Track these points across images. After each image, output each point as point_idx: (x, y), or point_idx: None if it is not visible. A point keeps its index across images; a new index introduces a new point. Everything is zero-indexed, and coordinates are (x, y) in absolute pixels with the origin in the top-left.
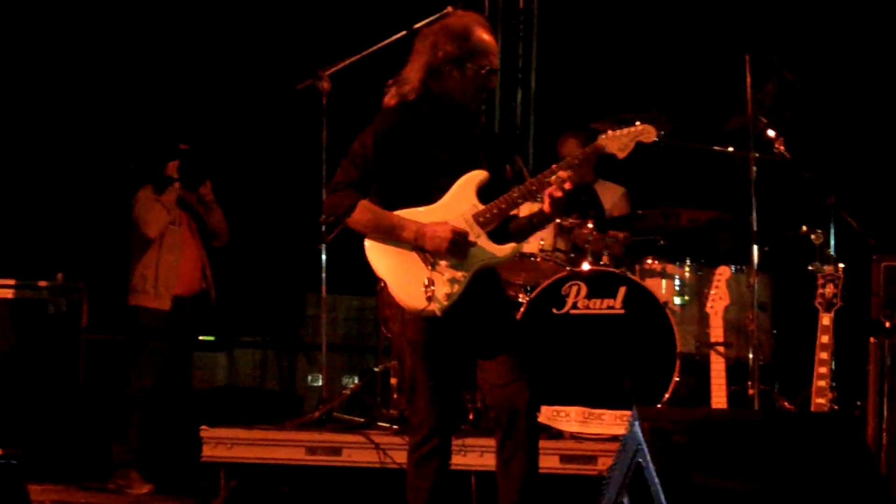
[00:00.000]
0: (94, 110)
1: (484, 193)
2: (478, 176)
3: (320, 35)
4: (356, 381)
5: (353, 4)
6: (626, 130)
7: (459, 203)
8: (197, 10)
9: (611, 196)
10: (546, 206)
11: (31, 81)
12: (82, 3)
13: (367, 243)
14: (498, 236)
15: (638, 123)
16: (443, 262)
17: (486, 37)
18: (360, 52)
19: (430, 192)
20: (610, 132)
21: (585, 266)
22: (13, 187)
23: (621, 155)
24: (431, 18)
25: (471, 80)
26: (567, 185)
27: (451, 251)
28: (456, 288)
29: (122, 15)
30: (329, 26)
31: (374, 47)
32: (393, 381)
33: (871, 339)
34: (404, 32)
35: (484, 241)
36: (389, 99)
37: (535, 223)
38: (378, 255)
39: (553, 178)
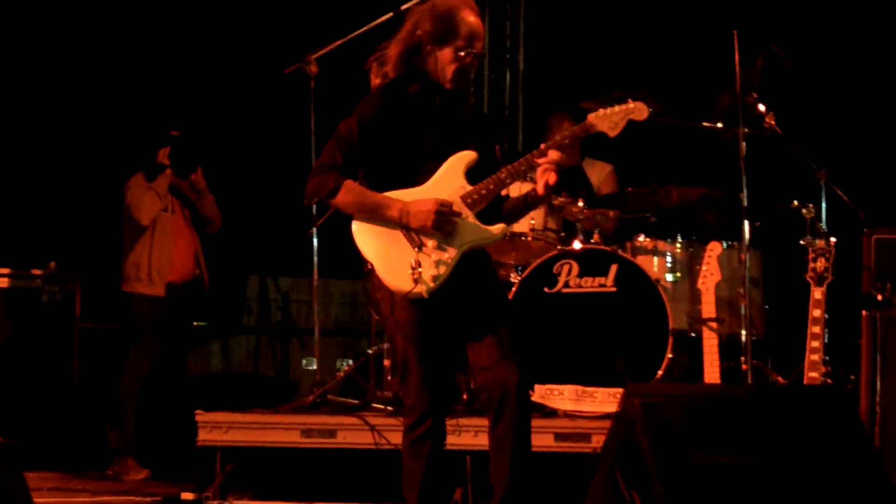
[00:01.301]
0: (84, 98)
1: (472, 175)
2: (466, 157)
3: (307, 18)
4: (349, 363)
5: None
6: (616, 108)
7: (447, 184)
8: None
9: (598, 174)
10: (539, 188)
11: (21, 71)
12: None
13: (354, 225)
14: (488, 217)
15: (629, 101)
16: (430, 244)
17: (470, 19)
18: (347, 34)
19: (418, 175)
20: (601, 111)
21: (576, 245)
22: (5, 177)
23: (612, 133)
24: (416, 0)
25: (449, 61)
26: (555, 166)
27: (437, 225)
28: (443, 269)
29: (111, 2)
30: (316, 9)
31: (361, 30)
32: (386, 363)
33: (864, 313)
34: (391, 14)
35: (472, 222)
36: (374, 77)
37: (527, 204)
38: (365, 238)
39: (542, 157)
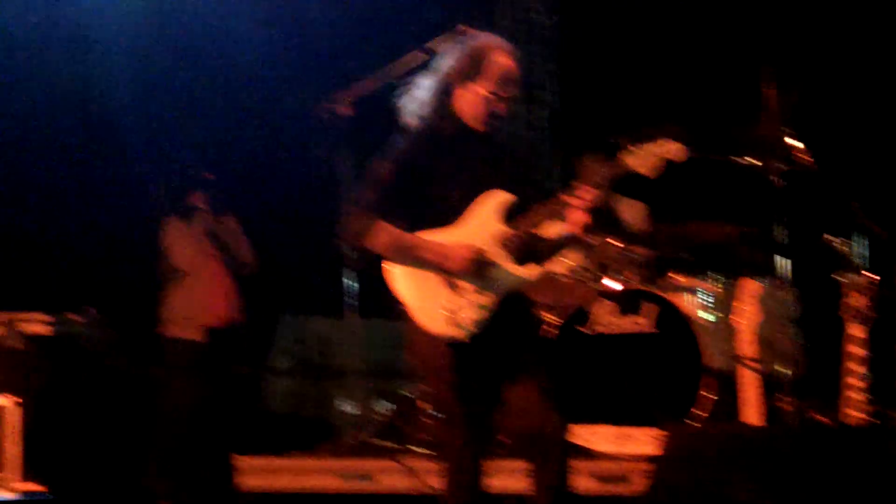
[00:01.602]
0: (120, 142)
1: (507, 215)
2: (501, 198)
3: (336, 59)
4: (388, 406)
5: (368, 27)
6: (651, 148)
7: (482, 225)
8: (217, 39)
9: (631, 212)
10: (572, 229)
11: (58, 113)
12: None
13: (388, 267)
14: (522, 258)
15: (668, 142)
16: (466, 286)
17: (502, 60)
18: (374, 75)
19: (451, 215)
20: (634, 150)
21: (612, 284)
22: (43, 222)
23: (649, 174)
24: (445, 37)
25: (478, 101)
26: (590, 206)
27: (474, 272)
28: (481, 313)
29: (144, 47)
30: (345, 50)
31: (391, 69)
32: (424, 405)
33: None
34: (419, 53)
35: (508, 264)
36: (405, 117)
37: (561, 245)
38: (399, 279)
39: (577, 198)
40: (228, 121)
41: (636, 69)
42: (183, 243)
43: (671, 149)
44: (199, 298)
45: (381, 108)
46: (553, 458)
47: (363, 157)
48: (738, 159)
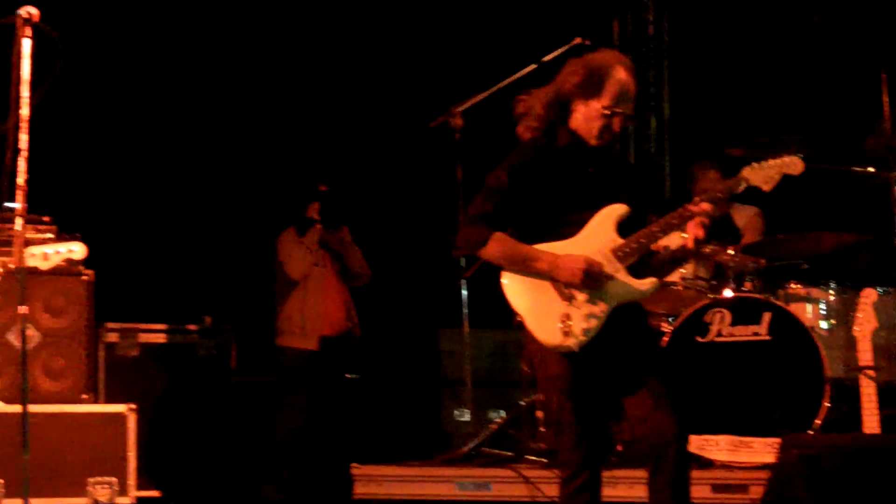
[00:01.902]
0: (236, 155)
1: (623, 228)
2: (617, 210)
3: (451, 72)
4: (503, 415)
5: (483, 41)
6: (771, 162)
7: (598, 237)
8: (334, 53)
9: (744, 217)
10: (689, 243)
11: (175, 128)
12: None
13: (504, 277)
14: (638, 271)
15: (789, 157)
16: (580, 297)
17: (622, 77)
18: (492, 87)
19: (566, 227)
20: (755, 164)
21: (728, 293)
22: (160, 234)
23: (766, 188)
24: (560, 51)
25: (595, 117)
26: (708, 220)
27: (586, 283)
28: (594, 323)
29: (256, 63)
30: (460, 63)
31: (505, 82)
32: (539, 414)
33: None
34: (534, 66)
35: (623, 276)
36: (522, 130)
37: (677, 259)
38: (514, 290)
39: (695, 210)
40: (344, 132)
41: (750, 78)
42: (298, 254)
43: (788, 162)
44: (313, 308)
45: (497, 120)
46: (672, 466)
47: (478, 169)
48: (856, 168)
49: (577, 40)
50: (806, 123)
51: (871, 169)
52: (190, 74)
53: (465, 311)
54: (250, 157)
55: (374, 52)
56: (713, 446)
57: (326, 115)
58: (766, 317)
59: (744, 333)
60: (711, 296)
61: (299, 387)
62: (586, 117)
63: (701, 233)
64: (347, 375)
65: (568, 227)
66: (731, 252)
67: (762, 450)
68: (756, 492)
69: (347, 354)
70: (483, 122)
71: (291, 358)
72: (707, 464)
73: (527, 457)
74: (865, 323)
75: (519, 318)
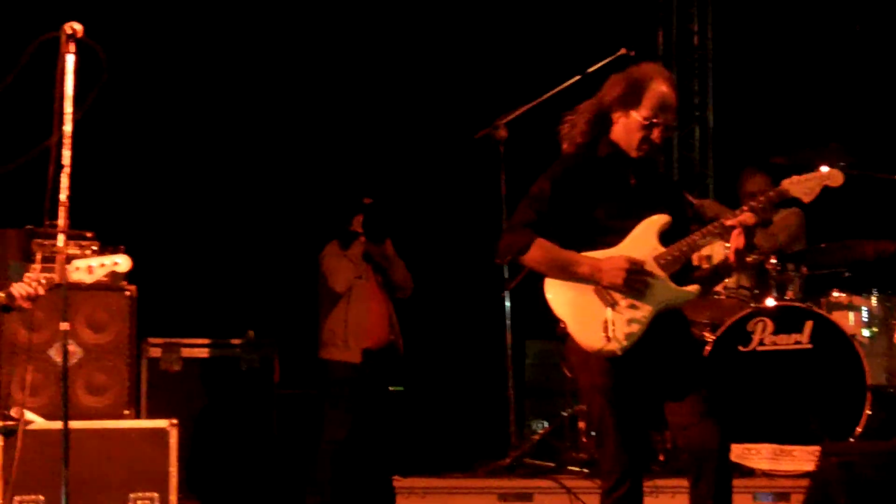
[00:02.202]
0: (280, 169)
1: (665, 237)
2: (660, 220)
3: (496, 84)
4: (545, 425)
5: (527, 52)
6: (812, 175)
7: (640, 246)
8: (377, 64)
9: (784, 220)
10: (730, 255)
11: (220, 143)
12: (264, 69)
13: (546, 283)
14: (681, 281)
15: (825, 168)
16: (623, 302)
17: (662, 89)
18: (536, 98)
19: (608, 237)
20: (795, 177)
21: (770, 302)
22: (205, 248)
23: (807, 199)
24: (605, 62)
25: (636, 128)
26: (749, 231)
27: (628, 283)
28: (636, 328)
29: (303, 77)
30: (504, 74)
31: (549, 94)
32: (581, 424)
33: None
34: (578, 77)
35: (664, 283)
36: (564, 142)
37: (719, 273)
38: (557, 296)
39: (735, 222)
40: (388, 144)
41: (794, 87)
42: (341, 267)
43: (828, 175)
44: (356, 321)
45: (541, 132)
46: (714, 475)
47: (523, 181)
48: None
49: (623, 51)
50: (848, 132)
51: None
52: (235, 87)
53: (508, 322)
54: (294, 169)
55: (419, 63)
56: (754, 455)
57: (371, 127)
58: (808, 325)
59: (786, 342)
60: (754, 305)
61: (343, 399)
62: (626, 129)
63: (740, 242)
64: (391, 388)
65: (610, 235)
66: (773, 261)
67: (803, 458)
68: (797, 500)
69: (390, 367)
70: (528, 134)
71: (335, 371)
72: (748, 472)
73: (569, 467)
74: None
75: (562, 325)
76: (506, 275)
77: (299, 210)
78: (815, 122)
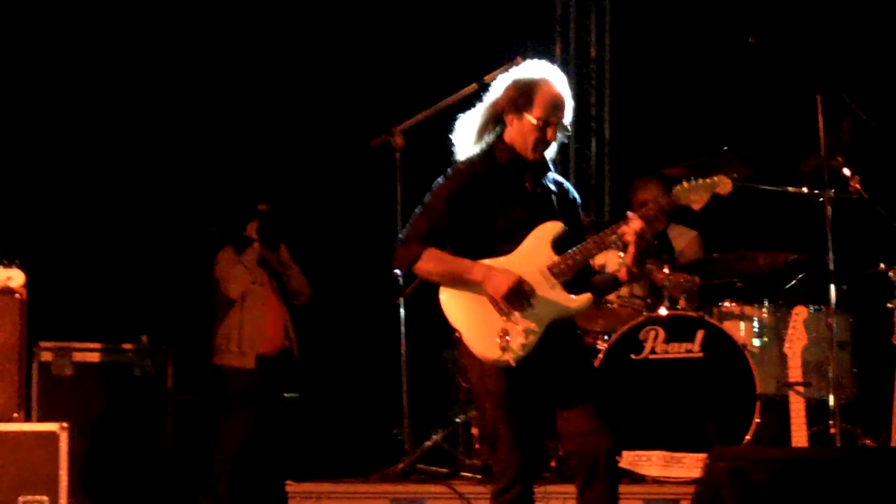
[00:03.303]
0: (174, 174)
1: (559, 245)
2: (553, 228)
3: (392, 91)
4: (438, 432)
5: (424, 60)
6: (700, 182)
7: (534, 255)
8: (273, 72)
9: (683, 240)
10: (627, 260)
11: (110, 146)
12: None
13: (442, 294)
14: (576, 287)
15: (715, 176)
16: (517, 313)
17: (552, 90)
18: (432, 106)
19: (504, 244)
20: (685, 184)
21: (662, 311)
22: (97, 253)
23: (696, 207)
24: (501, 70)
25: (529, 130)
26: (644, 236)
27: (508, 299)
28: (531, 338)
29: (204, 81)
30: (401, 82)
31: (446, 101)
32: (475, 430)
33: None
34: (475, 86)
35: (558, 293)
36: (459, 148)
37: (617, 281)
38: (452, 305)
39: (630, 228)
40: (284, 151)
41: (690, 100)
42: (235, 273)
43: (717, 182)
44: (250, 327)
45: (438, 139)
46: (602, 481)
47: (419, 188)
48: (792, 188)
49: (519, 60)
50: (744, 143)
51: (805, 189)
52: (125, 93)
53: (403, 329)
54: (189, 175)
55: (315, 69)
56: (645, 462)
57: (267, 133)
58: (700, 334)
59: (677, 351)
60: (646, 314)
61: (237, 405)
62: (520, 131)
63: (637, 249)
64: (286, 395)
65: (505, 244)
66: (666, 271)
67: (693, 465)
68: None
69: (286, 373)
70: (424, 142)
71: (229, 377)
72: (639, 479)
73: (462, 473)
74: (796, 340)
75: (457, 333)
76: (401, 282)
77: (194, 215)
78: (710, 134)
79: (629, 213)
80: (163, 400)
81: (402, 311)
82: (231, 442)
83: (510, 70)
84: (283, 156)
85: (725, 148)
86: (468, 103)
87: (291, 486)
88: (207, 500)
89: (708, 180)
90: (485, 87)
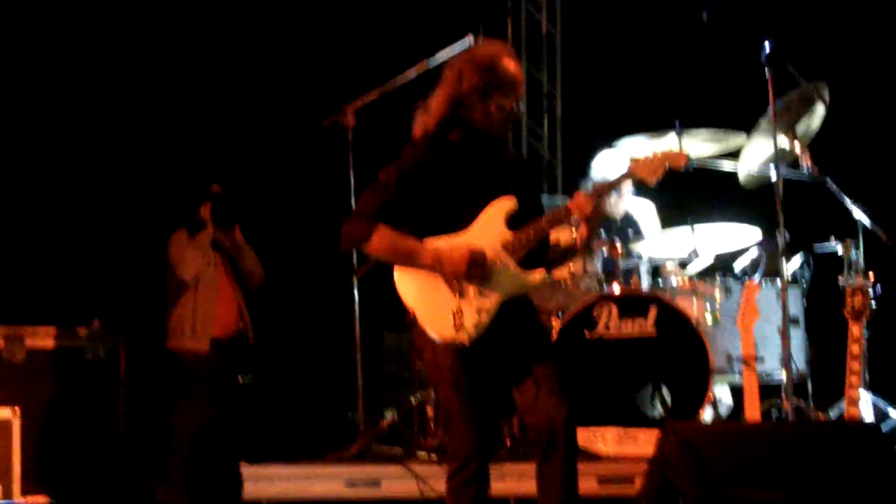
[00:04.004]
0: (127, 156)
1: (513, 221)
2: (506, 204)
3: (343, 71)
4: (394, 413)
5: (374, 39)
6: (655, 156)
7: (487, 231)
8: (222, 52)
9: (637, 211)
10: (581, 233)
11: (63, 127)
12: (117, 52)
13: (396, 273)
14: (532, 264)
15: (673, 151)
16: (471, 291)
17: (510, 67)
18: (383, 85)
19: (459, 222)
20: (641, 158)
21: (616, 288)
22: (49, 236)
23: (651, 180)
24: (451, 48)
25: (495, 111)
26: (597, 212)
27: (471, 273)
28: (484, 317)
29: (151, 58)
30: (352, 61)
31: (397, 81)
32: (429, 411)
33: None
34: (425, 64)
35: (512, 269)
36: (417, 128)
37: (567, 251)
38: (406, 285)
39: (578, 204)
40: (235, 132)
41: (642, 76)
42: (189, 255)
43: (672, 156)
44: (204, 310)
45: (389, 118)
46: (561, 454)
47: (371, 167)
48: (741, 164)
49: (469, 37)
50: (695, 118)
51: (756, 165)
52: (75, 73)
53: (358, 310)
54: (141, 157)
55: (265, 50)
56: (600, 439)
57: (217, 115)
58: (653, 311)
59: (630, 328)
60: (599, 291)
61: (192, 389)
62: (485, 112)
63: (590, 225)
64: (241, 378)
65: (458, 221)
66: (618, 247)
67: (647, 441)
68: (642, 483)
69: (240, 356)
70: (375, 121)
71: (183, 360)
72: (593, 456)
73: (417, 454)
74: (748, 316)
75: (411, 313)
76: (355, 263)
77: (147, 198)
78: (661, 110)
79: (580, 190)
80: (115, 385)
81: (355, 292)
82: (185, 425)
83: (461, 47)
84: (234, 137)
85: (677, 122)
86: (419, 82)
87: (247, 469)
88: (162, 483)
89: (661, 154)
90: (436, 66)
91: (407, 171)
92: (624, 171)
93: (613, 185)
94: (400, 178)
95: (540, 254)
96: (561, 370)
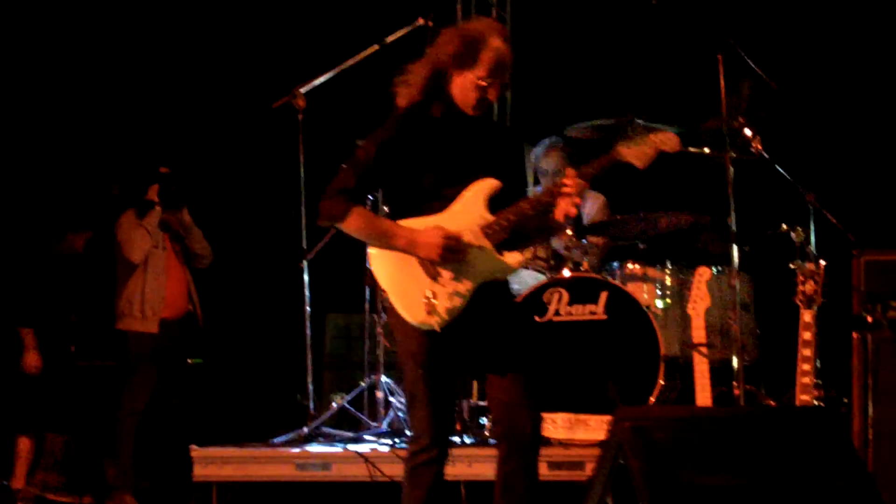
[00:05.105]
0: (74, 136)
1: (495, 203)
2: (488, 185)
3: (294, 52)
4: (343, 396)
5: (326, 21)
6: (647, 139)
7: (467, 213)
8: (172, 32)
9: (591, 203)
10: (558, 216)
11: (10, 106)
12: (63, 31)
13: (371, 252)
14: (511, 247)
15: (666, 134)
16: (446, 275)
17: (497, 45)
18: (335, 67)
19: (438, 201)
20: (630, 142)
21: (566, 273)
22: None
23: (641, 164)
24: (403, 31)
25: (472, 87)
26: (578, 199)
27: (445, 258)
28: (458, 302)
29: (100, 38)
30: (303, 42)
31: (347, 63)
32: (378, 394)
33: (854, 335)
34: (376, 47)
35: (489, 254)
36: (399, 99)
37: (543, 231)
38: (381, 265)
39: (566, 189)
40: (185, 113)
41: (593, 61)
42: (137, 236)
43: (664, 139)
44: (153, 291)
45: (340, 100)
46: (525, 456)
47: (321, 150)
48: (692, 149)
49: (420, 21)
50: (645, 104)
51: (706, 150)
52: (23, 47)
53: (307, 292)
54: (88, 137)
55: (217, 31)
56: (550, 424)
57: (167, 95)
58: (603, 296)
59: (581, 312)
60: (550, 276)
61: (141, 370)
62: (462, 87)
63: (571, 210)
64: (190, 360)
65: (438, 201)
66: (569, 232)
67: (598, 427)
68: (592, 468)
69: (189, 337)
70: (326, 103)
71: (132, 342)
72: (544, 441)
73: (366, 436)
74: (699, 301)
75: (384, 294)
76: (304, 245)
77: (94, 178)
78: (612, 96)
79: (568, 170)
80: (65, 365)
81: (305, 274)
82: (135, 406)
83: (411, 30)
84: (184, 118)
85: (629, 112)
86: (370, 64)
87: (196, 451)
88: (112, 464)
89: (654, 137)
90: (386, 49)
91: (386, 147)
92: (612, 154)
93: (602, 169)
94: (378, 155)
95: (516, 235)
96: (537, 361)
